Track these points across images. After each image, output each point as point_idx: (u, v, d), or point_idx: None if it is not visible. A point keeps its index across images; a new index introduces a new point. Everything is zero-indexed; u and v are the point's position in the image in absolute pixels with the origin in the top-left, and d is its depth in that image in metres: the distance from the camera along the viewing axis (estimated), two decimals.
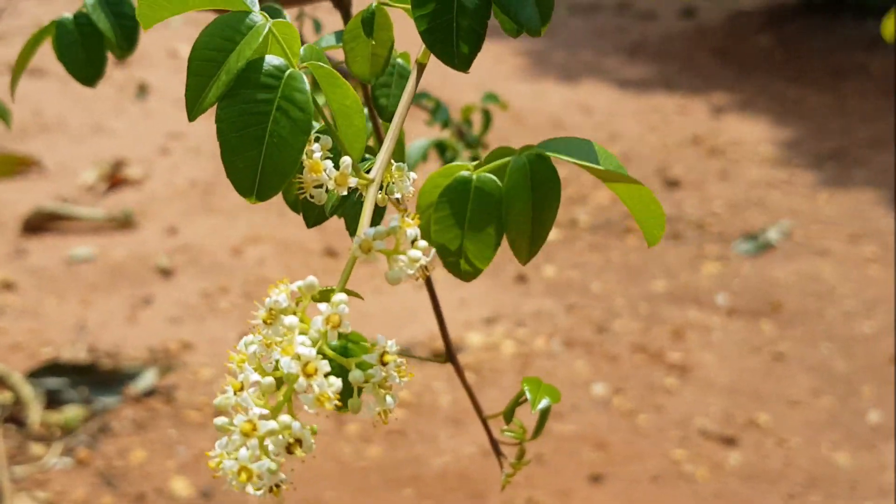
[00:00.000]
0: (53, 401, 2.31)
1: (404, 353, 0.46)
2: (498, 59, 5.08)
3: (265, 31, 0.44)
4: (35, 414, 2.24)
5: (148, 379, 2.38)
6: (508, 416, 0.64)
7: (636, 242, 3.20)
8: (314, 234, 3.17)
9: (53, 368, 2.40)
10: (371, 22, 0.53)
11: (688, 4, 6.04)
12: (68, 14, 0.73)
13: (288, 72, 0.44)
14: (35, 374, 2.37)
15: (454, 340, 2.31)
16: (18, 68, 0.76)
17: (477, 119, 1.45)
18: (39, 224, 3.19)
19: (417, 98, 1.16)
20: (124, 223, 3.23)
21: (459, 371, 0.67)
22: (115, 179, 3.57)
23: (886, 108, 4.35)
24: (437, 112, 1.29)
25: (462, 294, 2.80)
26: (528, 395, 0.61)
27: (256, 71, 0.43)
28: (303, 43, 0.47)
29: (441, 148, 1.34)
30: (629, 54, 5.32)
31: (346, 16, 0.67)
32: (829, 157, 3.93)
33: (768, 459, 2.20)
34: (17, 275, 2.90)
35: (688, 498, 2.07)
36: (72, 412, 2.26)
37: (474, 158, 1.40)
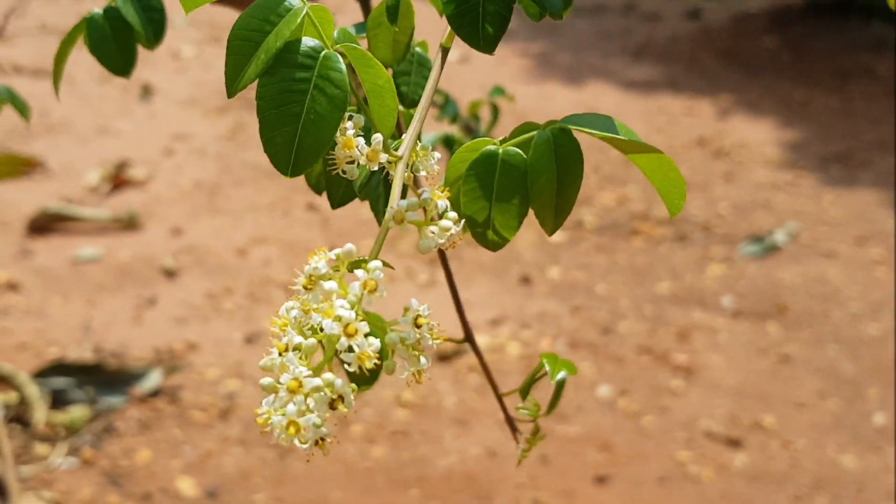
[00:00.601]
0: (59, 401, 2.31)
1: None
2: (502, 61, 5.08)
3: (302, 14, 0.46)
4: (40, 414, 2.24)
5: (153, 379, 2.38)
6: (525, 392, 0.65)
7: (642, 244, 3.20)
8: (319, 234, 3.17)
9: (59, 368, 2.40)
10: (396, 9, 0.55)
11: (693, 6, 6.04)
12: (98, 9, 0.74)
13: (323, 52, 0.46)
14: (40, 374, 2.37)
15: (459, 341, 2.30)
16: (57, 69, 0.77)
17: (485, 114, 1.46)
18: (44, 225, 3.20)
19: None
20: (129, 224, 3.23)
21: (477, 351, 0.68)
22: (119, 180, 3.57)
23: (892, 110, 4.35)
24: (446, 107, 1.30)
25: (467, 295, 2.79)
26: (546, 367, 0.63)
27: (294, 51, 0.45)
28: None
29: (449, 142, 1.35)
30: (634, 56, 5.32)
31: (366, 7, 0.68)
32: (835, 159, 3.92)
33: (774, 461, 2.19)
34: (22, 275, 2.90)
35: (693, 499, 2.07)
36: (77, 412, 2.26)
37: None
